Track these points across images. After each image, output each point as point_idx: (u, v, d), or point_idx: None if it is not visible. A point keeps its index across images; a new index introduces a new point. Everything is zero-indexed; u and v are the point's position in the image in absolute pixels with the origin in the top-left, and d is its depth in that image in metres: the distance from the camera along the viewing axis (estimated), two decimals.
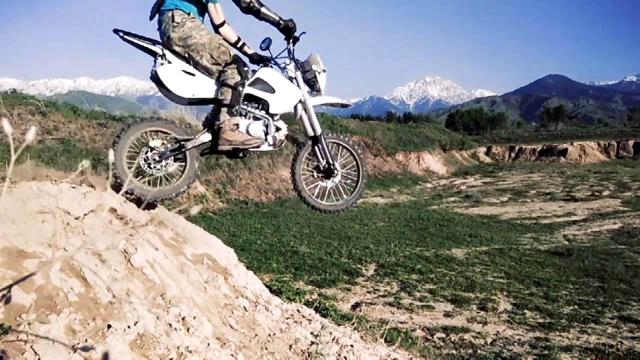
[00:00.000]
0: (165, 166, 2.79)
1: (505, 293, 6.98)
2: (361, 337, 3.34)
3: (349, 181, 3.24)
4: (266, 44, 2.98)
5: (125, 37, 2.74)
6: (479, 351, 4.72)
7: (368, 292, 6.92)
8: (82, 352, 1.47)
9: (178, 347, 1.84)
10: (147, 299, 1.99)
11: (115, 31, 2.76)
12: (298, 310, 3.21)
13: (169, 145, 2.80)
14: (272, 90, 2.94)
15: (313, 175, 3.18)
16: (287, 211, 14.54)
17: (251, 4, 2.75)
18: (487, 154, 36.88)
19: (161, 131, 2.82)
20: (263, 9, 2.78)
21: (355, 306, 6.24)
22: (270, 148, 2.98)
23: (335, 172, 3.13)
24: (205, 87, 2.84)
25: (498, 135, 47.26)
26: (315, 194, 3.15)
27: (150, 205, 2.94)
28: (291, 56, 3.03)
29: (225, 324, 2.41)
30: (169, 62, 2.78)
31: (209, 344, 1.99)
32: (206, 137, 2.90)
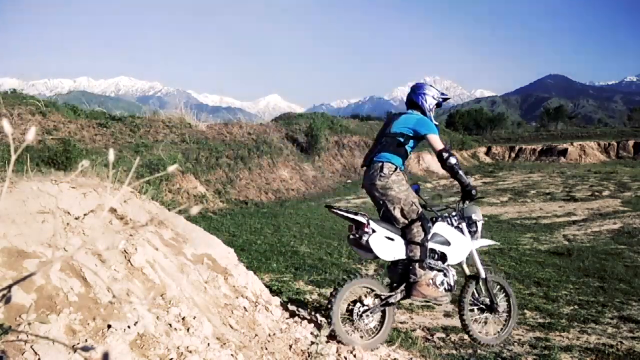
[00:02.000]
0: (372, 320, 3.13)
1: None
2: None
3: (501, 317, 3.57)
4: (414, 189, 3.40)
5: (336, 211, 3.22)
6: (479, 351, 4.72)
7: None
8: (82, 352, 1.47)
9: (178, 347, 1.84)
10: (147, 299, 1.99)
11: (327, 207, 3.33)
12: (298, 310, 3.21)
13: (376, 301, 3.13)
14: (448, 242, 3.32)
15: (473, 310, 3.50)
16: (287, 211, 14.55)
17: (455, 166, 3.15)
18: (487, 154, 36.85)
19: (368, 287, 3.14)
20: (460, 172, 3.18)
21: None
22: (449, 294, 3.32)
23: (496, 308, 3.47)
24: (401, 248, 3.19)
25: (498, 135, 47.16)
26: (476, 327, 3.47)
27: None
28: (459, 210, 3.46)
29: (225, 324, 2.41)
30: (374, 231, 3.14)
31: (209, 344, 1.99)
32: (403, 291, 3.21)
